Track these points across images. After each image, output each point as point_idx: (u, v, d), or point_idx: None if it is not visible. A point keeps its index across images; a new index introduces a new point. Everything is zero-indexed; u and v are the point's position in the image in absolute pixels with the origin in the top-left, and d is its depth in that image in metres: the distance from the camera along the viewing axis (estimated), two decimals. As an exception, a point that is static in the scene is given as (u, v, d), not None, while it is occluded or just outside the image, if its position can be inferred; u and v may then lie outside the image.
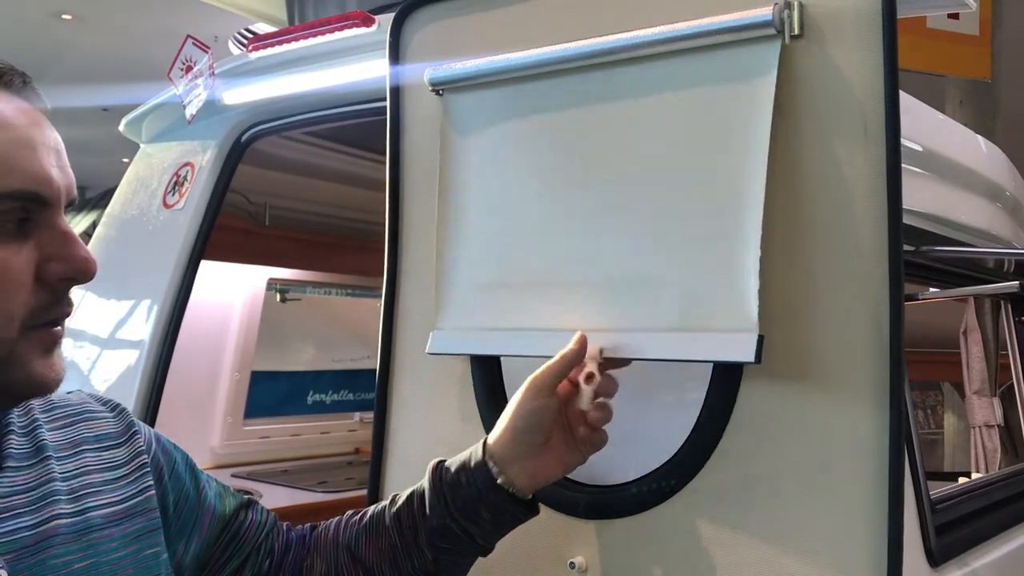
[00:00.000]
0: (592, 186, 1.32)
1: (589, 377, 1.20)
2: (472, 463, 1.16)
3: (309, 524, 1.26)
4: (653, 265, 1.26)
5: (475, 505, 1.15)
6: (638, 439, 1.43)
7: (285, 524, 1.25)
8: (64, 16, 8.87)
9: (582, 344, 1.22)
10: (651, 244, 1.27)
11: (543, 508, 1.35)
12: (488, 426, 1.41)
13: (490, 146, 1.44)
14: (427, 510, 1.16)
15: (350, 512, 1.25)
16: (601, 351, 1.23)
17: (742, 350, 1.16)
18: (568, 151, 1.36)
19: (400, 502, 1.19)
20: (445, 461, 1.19)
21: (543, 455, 1.18)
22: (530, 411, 1.17)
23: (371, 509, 1.23)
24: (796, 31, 1.17)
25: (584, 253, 1.32)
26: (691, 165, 1.24)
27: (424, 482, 1.19)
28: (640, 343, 1.24)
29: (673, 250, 1.25)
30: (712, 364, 1.25)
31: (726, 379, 1.24)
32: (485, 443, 1.18)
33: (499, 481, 1.15)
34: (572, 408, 1.21)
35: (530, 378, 1.18)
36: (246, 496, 1.23)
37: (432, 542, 1.16)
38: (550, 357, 1.21)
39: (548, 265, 1.36)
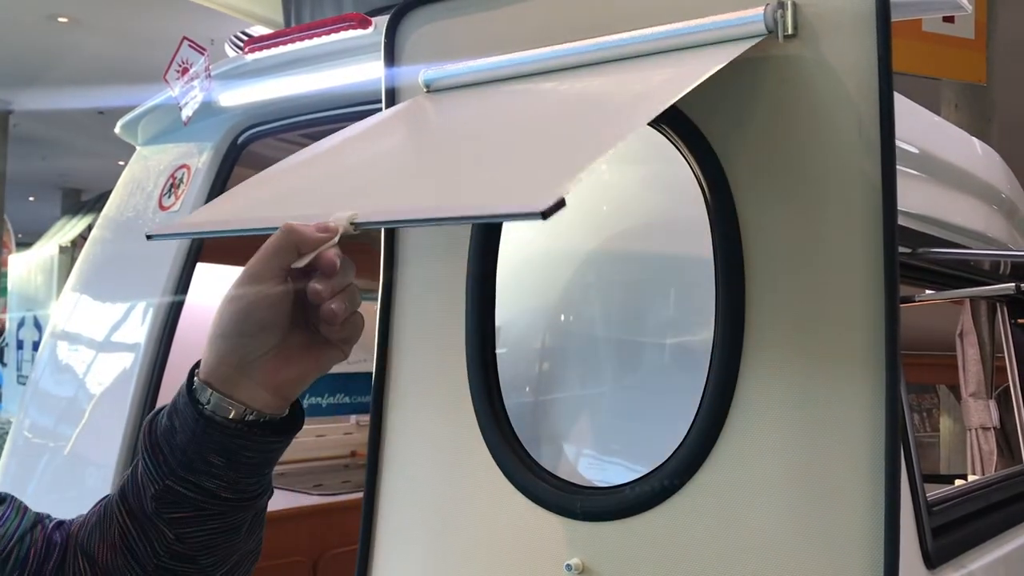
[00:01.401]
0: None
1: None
2: (180, 401, 0.86)
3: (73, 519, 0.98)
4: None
5: (198, 453, 0.85)
6: (634, 441, 1.43)
7: (52, 522, 0.96)
8: (60, 19, 8.87)
9: (324, 230, 0.85)
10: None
11: (540, 510, 1.34)
12: (484, 428, 1.41)
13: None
14: (145, 476, 0.87)
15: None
16: (353, 217, 0.87)
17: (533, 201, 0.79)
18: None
19: (125, 477, 0.91)
20: (162, 410, 0.90)
21: (281, 358, 0.86)
22: (242, 311, 0.84)
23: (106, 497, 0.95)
24: (789, 31, 1.18)
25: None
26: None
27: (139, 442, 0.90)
28: (405, 208, 0.96)
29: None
30: (709, 361, 1.24)
31: (723, 381, 1.24)
32: (193, 369, 0.87)
33: (216, 407, 0.85)
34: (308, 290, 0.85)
35: (242, 271, 0.86)
36: None
37: (161, 513, 0.87)
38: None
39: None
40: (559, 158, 0.95)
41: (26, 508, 0.96)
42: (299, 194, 1.11)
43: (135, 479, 0.89)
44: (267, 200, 1.10)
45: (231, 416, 0.86)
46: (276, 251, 0.84)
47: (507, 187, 0.91)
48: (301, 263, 0.84)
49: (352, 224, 0.87)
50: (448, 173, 1.06)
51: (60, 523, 0.96)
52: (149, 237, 1.08)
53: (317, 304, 0.84)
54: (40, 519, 0.96)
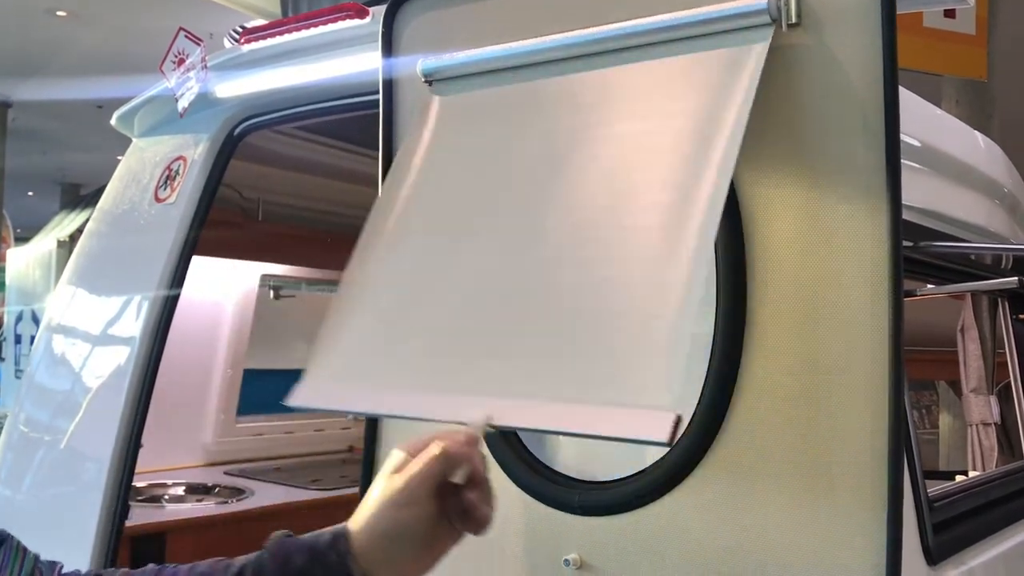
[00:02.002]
0: (545, 187, 1.26)
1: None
2: (333, 559, 0.96)
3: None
4: (556, 324, 1.12)
5: None
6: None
7: (58, 568, 0.99)
8: (59, 13, 8.86)
9: (472, 443, 0.99)
10: (578, 277, 1.14)
11: (538, 504, 1.33)
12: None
13: (481, 136, 1.42)
14: None
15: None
16: (489, 418, 1.02)
17: (655, 429, 0.95)
18: (557, 141, 1.33)
19: (232, 570, 0.98)
20: (291, 542, 0.99)
21: (417, 552, 0.98)
22: (406, 520, 0.96)
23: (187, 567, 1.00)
24: (793, 20, 1.16)
25: (482, 299, 1.19)
26: (684, 157, 1.22)
27: (266, 549, 0.99)
28: (536, 412, 1.06)
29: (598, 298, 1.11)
30: (710, 355, 1.23)
31: (723, 375, 1.23)
32: (348, 542, 0.97)
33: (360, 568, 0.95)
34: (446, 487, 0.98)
35: (400, 481, 0.97)
36: None
37: None
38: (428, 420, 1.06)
39: (438, 314, 1.22)
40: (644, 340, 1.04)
41: (25, 549, 0.98)
42: (418, 358, 1.20)
43: None
44: (392, 368, 1.22)
45: None
46: (436, 474, 0.97)
47: (624, 388, 1.03)
48: (459, 479, 0.98)
49: (490, 426, 1.03)
50: (547, 343, 1.13)
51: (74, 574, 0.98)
52: (291, 408, 1.26)
53: (470, 509, 0.98)
54: (38, 564, 0.97)
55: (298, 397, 1.24)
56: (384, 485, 0.98)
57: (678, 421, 0.94)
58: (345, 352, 1.26)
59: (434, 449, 0.98)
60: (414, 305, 1.24)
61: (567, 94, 1.32)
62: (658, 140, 1.17)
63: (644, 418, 0.97)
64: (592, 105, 1.29)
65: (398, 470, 0.99)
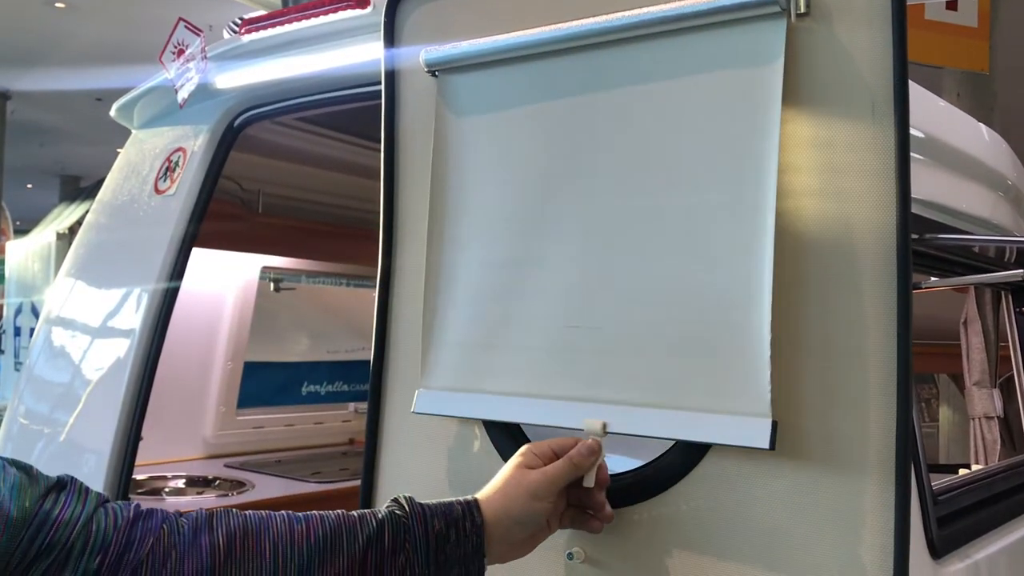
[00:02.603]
0: (594, 176, 1.29)
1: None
2: (467, 527, 1.09)
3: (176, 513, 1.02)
4: (658, 332, 1.21)
5: (452, 566, 1.08)
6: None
7: (135, 509, 0.99)
8: (57, 4, 8.83)
9: (596, 451, 1.18)
10: (656, 293, 1.22)
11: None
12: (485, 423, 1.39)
13: (488, 130, 1.41)
14: (406, 553, 1.06)
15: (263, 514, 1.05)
16: (605, 426, 1.21)
17: (756, 435, 1.12)
18: (569, 135, 1.33)
19: (366, 533, 1.05)
20: (427, 505, 1.11)
21: (528, 538, 1.16)
22: (533, 511, 1.14)
23: (303, 516, 1.06)
24: (802, 9, 1.15)
25: (585, 306, 1.27)
26: (696, 151, 1.21)
27: (399, 516, 1.08)
28: (646, 419, 1.20)
29: (683, 305, 1.20)
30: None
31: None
32: (482, 515, 1.11)
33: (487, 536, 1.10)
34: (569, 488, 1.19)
35: (539, 476, 1.15)
36: (56, 478, 0.98)
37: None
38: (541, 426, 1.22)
39: (543, 322, 1.30)
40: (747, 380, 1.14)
41: (88, 490, 0.97)
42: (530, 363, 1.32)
43: (383, 543, 1.04)
44: (507, 370, 1.33)
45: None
46: (568, 476, 1.17)
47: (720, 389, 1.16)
48: (589, 483, 1.18)
49: (605, 432, 1.21)
50: (650, 347, 1.23)
51: (155, 513, 0.98)
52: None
53: (597, 508, 1.20)
54: (106, 504, 0.97)
55: (422, 405, 1.39)
56: (519, 476, 1.14)
57: (775, 427, 1.11)
58: (457, 355, 1.37)
59: (571, 455, 1.16)
60: (514, 301, 1.33)
61: (579, 87, 1.32)
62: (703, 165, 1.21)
63: (747, 425, 1.12)
64: (607, 98, 1.29)
65: (531, 466, 1.16)
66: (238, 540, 0.99)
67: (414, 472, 1.47)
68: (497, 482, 1.16)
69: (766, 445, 1.11)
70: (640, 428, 1.21)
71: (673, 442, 1.25)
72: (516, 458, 1.17)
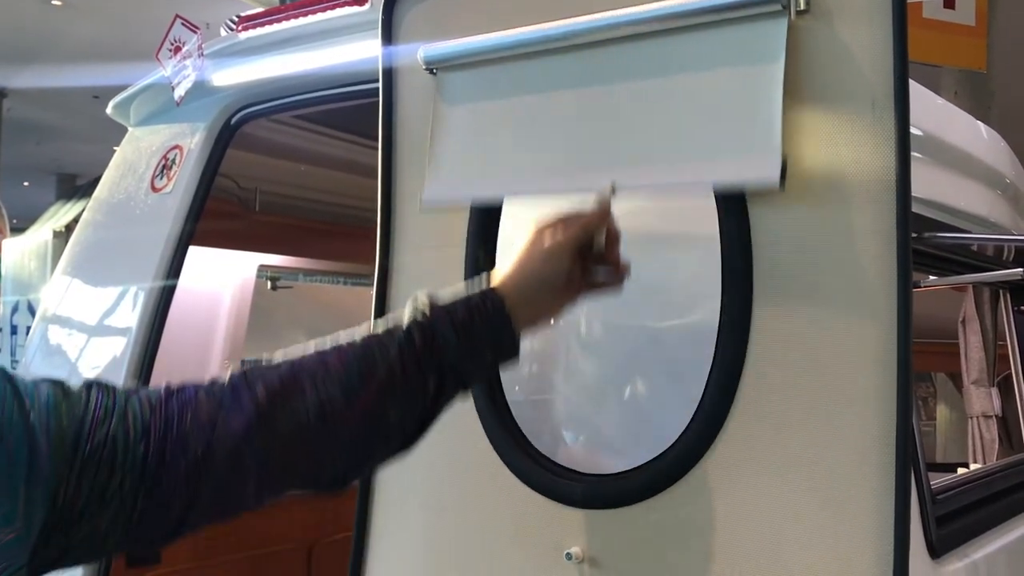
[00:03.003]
0: (593, 174, 1.29)
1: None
2: (488, 306, 1.12)
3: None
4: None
5: (484, 347, 1.12)
6: (635, 428, 1.41)
7: (162, 388, 1.00)
8: (54, 2, 8.81)
9: (606, 208, 1.20)
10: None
11: (539, 497, 1.32)
12: (483, 414, 1.38)
13: (486, 127, 1.40)
14: (434, 351, 1.08)
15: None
16: (614, 186, 1.20)
17: (765, 172, 1.12)
18: (567, 133, 1.33)
19: (397, 341, 1.07)
20: (447, 303, 1.12)
21: (551, 299, 1.19)
22: (548, 272, 1.16)
23: (333, 347, 1.08)
24: (802, 6, 1.14)
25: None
26: (696, 148, 1.21)
27: (425, 315, 1.10)
28: (658, 171, 1.22)
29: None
30: (714, 348, 1.22)
31: (727, 369, 1.21)
32: (497, 293, 1.14)
33: (512, 311, 1.12)
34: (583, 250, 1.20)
35: (549, 240, 1.17)
36: (84, 383, 0.97)
37: (441, 380, 1.09)
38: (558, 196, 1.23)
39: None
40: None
41: (115, 388, 0.97)
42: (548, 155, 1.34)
43: (414, 348, 1.06)
44: (523, 167, 1.35)
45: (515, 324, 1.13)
46: (577, 237, 1.17)
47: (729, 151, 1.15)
48: (600, 243, 1.19)
49: (613, 192, 1.20)
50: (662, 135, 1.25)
51: (186, 387, 0.99)
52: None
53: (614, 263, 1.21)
54: (132, 391, 0.97)
55: (427, 199, 1.38)
56: (533, 244, 1.17)
57: (785, 164, 1.11)
58: (459, 163, 1.37)
59: (577, 217, 1.18)
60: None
61: (577, 85, 1.32)
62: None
63: (756, 163, 1.12)
64: (605, 97, 1.29)
65: (543, 234, 1.17)
66: (277, 387, 1.00)
67: (413, 467, 1.46)
68: (513, 256, 1.19)
69: (776, 181, 1.11)
70: (651, 179, 1.23)
71: (672, 441, 1.24)
72: (530, 235, 1.20)
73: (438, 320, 1.09)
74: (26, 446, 0.86)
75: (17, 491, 0.85)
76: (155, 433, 0.93)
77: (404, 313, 1.10)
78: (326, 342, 1.08)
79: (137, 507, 0.92)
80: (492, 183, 1.37)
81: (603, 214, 1.19)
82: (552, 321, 1.21)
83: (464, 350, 1.09)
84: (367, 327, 1.10)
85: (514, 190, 1.35)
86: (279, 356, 1.06)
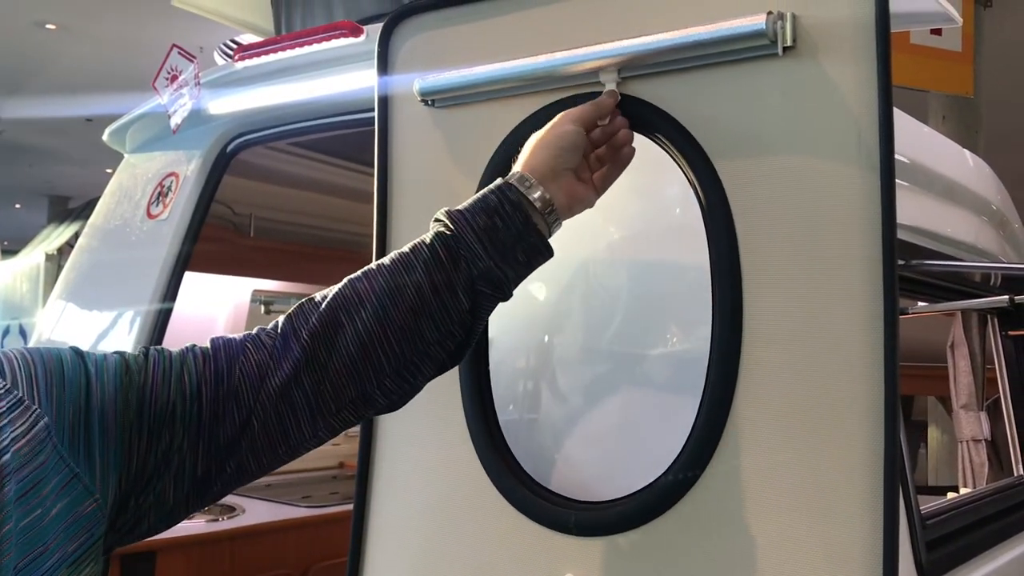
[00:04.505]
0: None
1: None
2: (507, 207, 1.10)
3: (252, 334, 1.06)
4: None
5: (513, 248, 1.10)
6: (629, 456, 1.42)
7: (214, 342, 1.05)
8: (48, 26, 8.83)
9: (615, 96, 1.25)
10: None
11: (533, 524, 1.33)
12: (476, 441, 1.39)
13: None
14: (460, 264, 1.07)
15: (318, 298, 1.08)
16: (620, 71, 1.27)
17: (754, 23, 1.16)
18: None
19: (422, 259, 1.08)
20: (467, 213, 1.11)
21: (577, 177, 1.19)
22: (566, 132, 1.18)
23: (360, 275, 1.10)
24: (789, 42, 1.17)
25: None
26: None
27: (445, 232, 1.09)
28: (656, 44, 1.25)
29: None
30: (706, 376, 1.23)
31: (719, 396, 1.23)
32: (516, 188, 1.12)
33: (537, 196, 1.12)
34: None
35: (561, 118, 1.20)
36: (143, 350, 1.03)
37: (473, 290, 1.08)
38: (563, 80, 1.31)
39: None
40: None
41: (170, 353, 1.02)
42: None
43: (442, 262, 1.07)
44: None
45: (542, 208, 1.12)
46: (590, 115, 1.22)
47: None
48: (606, 122, 1.24)
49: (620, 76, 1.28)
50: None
51: (232, 341, 1.04)
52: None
53: (622, 143, 1.24)
54: (188, 349, 1.02)
55: (424, 87, 1.43)
56: (548, 128, 1.19)
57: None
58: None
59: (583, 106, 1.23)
60: None
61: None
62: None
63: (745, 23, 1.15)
64: None
65: (552, 125, 1.20)
66: (317, 328, 1.03)
67: (406, 494, 1.47)
68: (526, 148, 1.19)
69: (764, 34, 1.15)
70: (651, 46, 1.25)
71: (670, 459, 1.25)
72: (540, 131, 1.21)
73: (460, 232, 1.08)
74: (97, 419, 0.92)
75: (95, 462, 0.90)
76: (207, 391, 0.99)
77: (428, 232, 1.11)
78: (355, 274, 1.10)
79: (199, 462, 0.97)
80: None
81: (609, 100, 1.25)
82: (581, 204, 1.20)
83: (493, 256, 1.08)
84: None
85: None
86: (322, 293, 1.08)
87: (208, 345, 1.03)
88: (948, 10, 1.37)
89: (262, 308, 3.60)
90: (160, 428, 0.96)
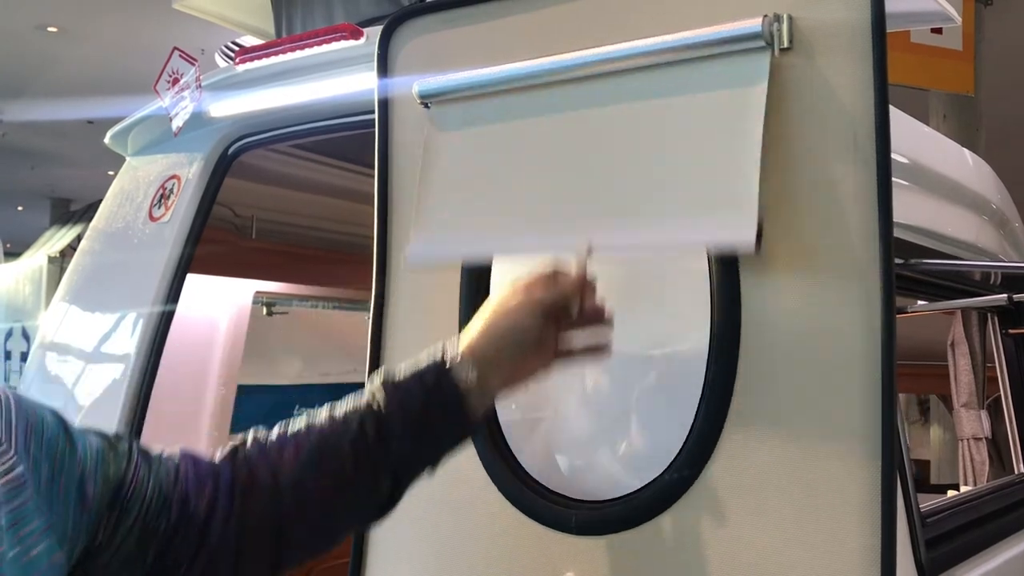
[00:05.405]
0: (580, 200, 1.32)
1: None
2: (445, 392, 1.08)
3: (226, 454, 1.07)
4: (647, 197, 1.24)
5: (439, 435, 1.09)
6: (627, 454, 1.42)
7: (204, 465, 1.06)
8: (50, 28, 8.85)
9: (581, 272, 1.15)
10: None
11: (533, 523, 1.34)
12: (477, 440, 1.40)
13: (478, 159, 1.43)
14: (387, 450, 1.06)
15: (259, 439, 1.09)
16: (590, 250, 1.16)
17: (742, 234, 1.12)
18: (557, 164, 1.35)
19: (350, 431, 1.07)
20: (403, 392, 1.08)
21: (526, 356, 1.13)
22: (524, 327, 1.11)
23: (292, 434, 1.09)
24: (785, 44, 1.18)
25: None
26: (682, 184, 1.24)
27: (377, 401, 1.08)
28: (634, 234, 1.21)
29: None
30: (704, 375, 1.24)
31: (717, 395, 1.23)
32: (453, 375, 1.08)
33: (477, 386, 1.08)
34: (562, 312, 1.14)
35: (518, 299, 1.12)
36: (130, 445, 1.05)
37: (394, 471, 1.08)
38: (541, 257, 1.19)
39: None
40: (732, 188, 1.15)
41: (148, 453, 1.03)
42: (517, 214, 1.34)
43: (365, 436, 1.05)
44: (497, 223, 1.35)
45: (481, 393, 1.09)
46: (549, 296, 1.13)
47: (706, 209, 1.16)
48: (574, 312, 1.14)
49: (590, 253, 1.15)
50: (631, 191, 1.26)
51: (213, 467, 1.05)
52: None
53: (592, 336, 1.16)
54: (166, 458, 1.03)
55: (411, 259, 1.39)
56: (503, 300, 1.13)
57: (761, 228, 1.11)
58: (444, 219, 1.38)
59: (552, 278, 1.13)
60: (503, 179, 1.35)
61: (568, 120, 1.35)
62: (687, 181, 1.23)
63: (731, 226, 1.12)
64: (595, 129, 1.32)
65: (512, 292, 1.13)
66: (245, 479, 1.04)
67: (409, 496, 1.48)
68: (482, 314, 1.14)
69: (752, 244, 1.11)
70: (626, 243, 1.21)
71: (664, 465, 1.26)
72: (505, 286, 1.16)
73: (392, 413, 1.07)
74: (76, 486, 0.94)
75: (67, 521, 0.92)
76: (174, 511, 1.00)
77: (363, 396, 1.10)
78: (294, 424, 1.10)
79: (149, 563, 0.99)
80: (477, 237, 1.39)
81: (578, 279, 1.14)
82: (525, 386, 1.15)
83: (418, 444, 1.08)
84: (327, 410, 1.10)
85: (498, 247, 1.35)
86: (257, 435, 1.10)
87: (177, 462, 1.04)
88: (947, 9, 1.37)
89: (264, 310, 3.61)
90: (131, 515, 0.98)
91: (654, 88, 1.27)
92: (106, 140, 2.62)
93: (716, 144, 1.21)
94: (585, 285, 1.15)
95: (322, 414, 1.10)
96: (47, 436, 0.94)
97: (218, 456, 1.07)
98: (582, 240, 1.17)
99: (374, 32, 1.73)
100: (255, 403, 3.60)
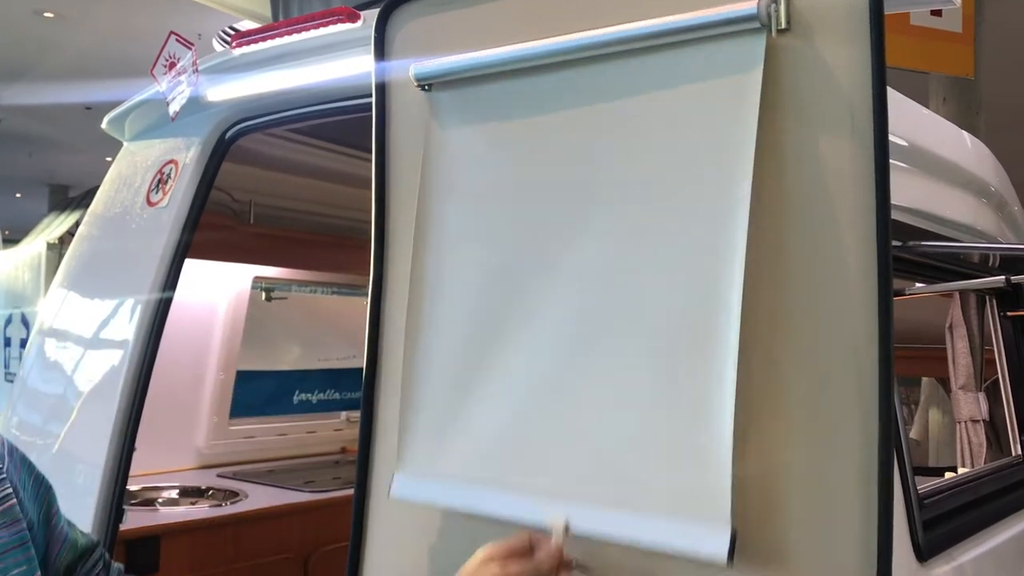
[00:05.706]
0: (577, 192, 1.31)
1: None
2: None
3: None
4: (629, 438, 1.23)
5: None
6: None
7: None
8: (47, 14, 8.81)
9: (558, 555, 1.17)
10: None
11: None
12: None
13: (476, 142, 1.43)
14: None
15: None
16: (567, 528, 1.19)
17: (714, 545, 1.11)
18: (554, 147, 1.35)
19: None
20: None
21: None
22: None
23: None
24: (783, 25, 1.17)
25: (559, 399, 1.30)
26: (677, 166, 1.24)
27: None
28: (609, 521, 1.20)
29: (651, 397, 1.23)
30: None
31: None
32: None
33: None
34: None
35: (501, 570, 1.14)
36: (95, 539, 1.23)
37: None
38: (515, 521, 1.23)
39: (514, 391, 1.33)
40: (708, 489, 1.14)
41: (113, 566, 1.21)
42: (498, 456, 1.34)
43: None
44: (476, 461, 1.35)
45: None
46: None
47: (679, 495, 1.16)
48: None
49: (567, 532, 1.18)
50: (612, 446, 1.25)
51: None
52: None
53: None
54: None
55: (397, 491, 1.39)
56: (472, 573, 1.14)
57: (735, 538, 1.11)
58: (429, 446, 1.38)
59: (526, 554, 1.16)
60: (485, 386, 1.35)
61: (565, 102, 1.34)
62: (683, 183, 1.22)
63: (706, 534, 1.12)
64: (592, 111, 1.31)
65: (490, 558, 1.15)
66: None
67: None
68: None
69: (724, 557, 1.10)
70: (600, 528, 1.21)
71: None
72: (478, 554, 1.17)
73: None
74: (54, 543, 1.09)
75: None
76: None
77: None
78: None
79: None
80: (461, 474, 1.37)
81: (554, 558, 1.16)
82: None
83: None
84: None
85: (480, 504, 1.34)
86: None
87: None
88: (946, -9, 1.37)
89: (263, 295, 3.61)
90: None
91: (650, 73, 1.26)
92: (103, 125, 2.62)
93: (711, 131, 1.20)
94: (560, 562, 1.17)
95: None
96: (40, 491, 1.10)
97: None
98: (559, 516, 1.19)
99: (371, 15, 1.72)
100: (254, 388, 3.61)
